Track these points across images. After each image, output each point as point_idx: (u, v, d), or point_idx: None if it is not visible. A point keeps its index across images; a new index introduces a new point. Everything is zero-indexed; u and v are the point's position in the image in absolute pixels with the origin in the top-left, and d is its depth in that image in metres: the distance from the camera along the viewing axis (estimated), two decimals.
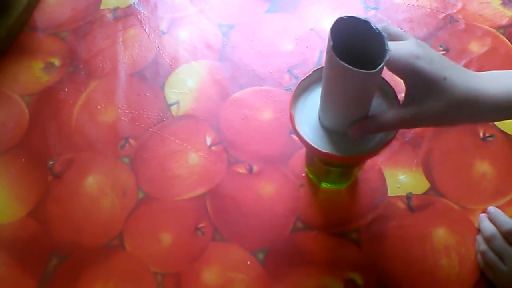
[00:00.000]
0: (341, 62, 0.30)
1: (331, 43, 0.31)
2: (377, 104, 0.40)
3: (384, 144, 0.38)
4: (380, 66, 0.30)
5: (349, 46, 0.33)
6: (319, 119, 0.40)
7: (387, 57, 0.31)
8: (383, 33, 0.31)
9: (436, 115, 0.33)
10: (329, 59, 0.32)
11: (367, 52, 0.33)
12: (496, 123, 0.54)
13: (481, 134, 0.53)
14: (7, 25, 0.62)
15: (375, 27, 0.31)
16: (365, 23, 0.32)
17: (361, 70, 0.30)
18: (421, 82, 0.33)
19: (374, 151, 0.38)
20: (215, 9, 0.65)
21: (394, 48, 0.32)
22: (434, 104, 0.33)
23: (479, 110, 0.32)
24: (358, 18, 0.32)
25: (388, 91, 0.40)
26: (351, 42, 0.33)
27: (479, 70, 0.56)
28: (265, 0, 0.65)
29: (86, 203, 0.52)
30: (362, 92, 0.34)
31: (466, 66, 0.58)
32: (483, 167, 0.52)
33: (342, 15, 0.32)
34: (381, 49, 0.31)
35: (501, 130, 0.54)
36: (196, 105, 0.57)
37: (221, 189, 0.52)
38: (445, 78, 0.32)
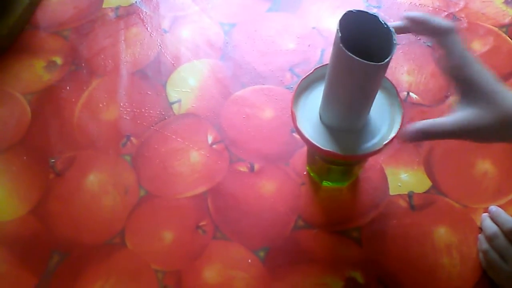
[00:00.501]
0: (349, 53, 0.31)
1: (340, 35, 0.31)
2: (379, 101, 0.40)
3: (386, 142, 0.38)
4: (387, 59, 0.31)
5: (356, 40, 0.33)
6: (320, 116, 0.40)
7: (394, 51, 0.31)
8: (391, 29, 0.31)
9: (489, 126, 0.33)
10: (336, 52, 0.32)
11: (373, 47, 0.33)
12: None
13: None
14: (9, 23, 0.62)
15: (383, 22, 0.31)
16: (373, 18, 0.32)
17: (368, 62, 0.30)
18: (476, 90, 0.33)
19: (376, 150, 0.38)
20: (217, 7, 0.65)
21: (462, 60, 0.34)
22: (487, 114, 0.33)
23: None
24: (366, 13, 0.32)
25: (390, 89, 0.40)
26: (358, 36, 0.33)
27: None
28: None
29: (88, 201, 0.52)
30: (367, 86, 0.34)
31: None
32: (485, 166, 0.51)
33: (351, 9, 0.32)
34: (388, 44, 0.31)
35: None
36: (198, 104, 0.57)
37: (222, 188, 0.52)
38: (499, 92, 0.33)
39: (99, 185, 0.53)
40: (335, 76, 0.35)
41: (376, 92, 0.36)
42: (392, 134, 0.38)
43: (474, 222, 0.49)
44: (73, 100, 0.58)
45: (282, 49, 0.61)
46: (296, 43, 0.61)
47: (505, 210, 0.47)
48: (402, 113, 0.39)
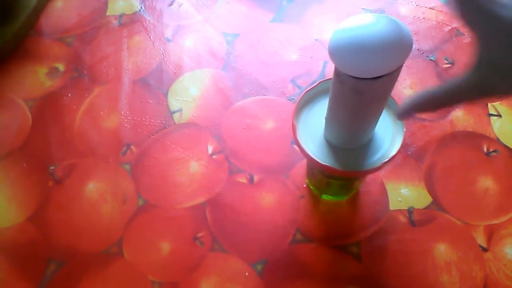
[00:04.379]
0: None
1: None
2: (382, 117, 0.40)
3: (386, 161, 0.37)
4: (383, 77, 0.30)
5: None
6: (324, 133, 0.40)
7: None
8: None
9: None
10: (336, 70, 0.33)
11: None
12: (500, 138, 0.53)
13: (485, 149, 0.53)
14: (13, 29, 0.62)
15: None
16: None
17: (365, 78, 0.30)
18: (501, 35, 0.24)
19: (375, 167, 0.37)
20: (220, 17, 0.65)
21: None
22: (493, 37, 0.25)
23: None
24: None
25: (393, 106, 0.40)
26: None
27: None
28: (271, 10, 0.65)
29: (86, 209, 0.52)
30: (366, 105, 0.34)
31: None
32: (486, 182, 0.51)
33: None
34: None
35: (505, 146, 0.53)
36: (199, 113, 0.57)
37: (221, 198, 0.52)
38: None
39: (98, 193, 0.53)
40: (335, 94, 0.35)
41: (380, 113, 0.35)
42: (393, 153, 0.38)
43: (474, 239, 0.48)
44: (74, 107, 0.58)
45: (285, 60, 0.61)
46: (299, 54, 0.61)
47: (506, 228, 0.47)
48: (403, 131, 0.38)
